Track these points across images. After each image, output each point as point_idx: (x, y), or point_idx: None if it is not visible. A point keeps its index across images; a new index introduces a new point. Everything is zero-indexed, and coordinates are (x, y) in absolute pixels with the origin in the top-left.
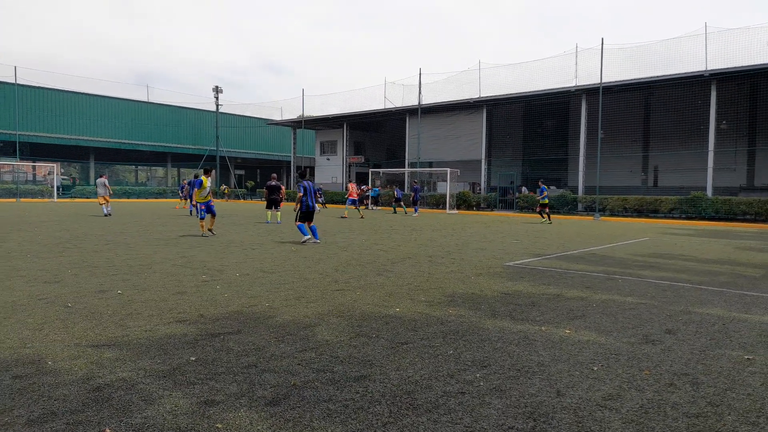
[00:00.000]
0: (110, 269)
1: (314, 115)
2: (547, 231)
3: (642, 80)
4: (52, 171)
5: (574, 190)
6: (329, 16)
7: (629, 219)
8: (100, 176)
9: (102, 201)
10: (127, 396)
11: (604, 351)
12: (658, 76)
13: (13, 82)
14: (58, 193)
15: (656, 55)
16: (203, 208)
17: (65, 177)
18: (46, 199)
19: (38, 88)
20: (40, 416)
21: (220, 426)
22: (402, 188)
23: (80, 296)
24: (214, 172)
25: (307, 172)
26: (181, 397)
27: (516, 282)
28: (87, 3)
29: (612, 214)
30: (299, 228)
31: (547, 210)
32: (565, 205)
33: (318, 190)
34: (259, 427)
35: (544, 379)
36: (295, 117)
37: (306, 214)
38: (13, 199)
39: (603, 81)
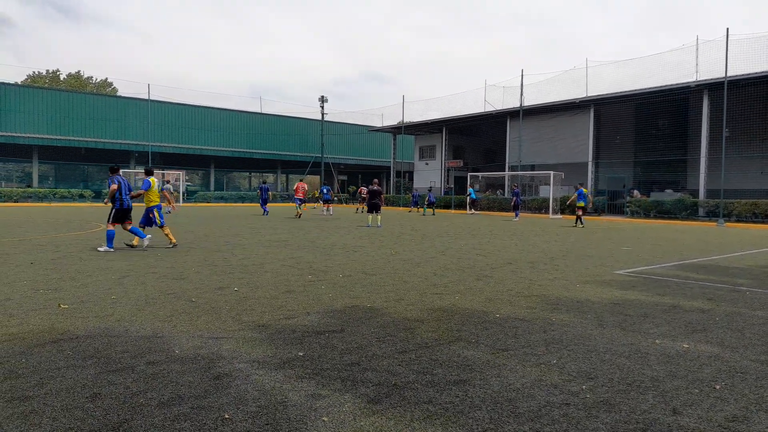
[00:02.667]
0: (228, 268)
1: (414, 120)
2: (663, 238)
3: None
4: (178, 178)
5: (694, 193)
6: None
7: (760, 225)
8: (167, 181)
9: (168, 205)
10: (243, 386)
11: (728, 368)
12: None
13: (147, 98)
14: (183, 198)
15: None
16: (153, 216)
17: (189, 183)
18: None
19: (167, 103)
20: (169, 399)
21: (326, 419)
22: (503, 192)
23: (202, 292)
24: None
25: (119, 168)
26: (290, 389)
27: (626, 291)
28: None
29: (739, 220)
30: (108, 234)
31: (580, 213)
32: (684, 210)
33: (267, 189)
34: (361, 423)
35: (658, 396)
36: (395, 123)
37: (121, 213)
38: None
39: (728, 75)
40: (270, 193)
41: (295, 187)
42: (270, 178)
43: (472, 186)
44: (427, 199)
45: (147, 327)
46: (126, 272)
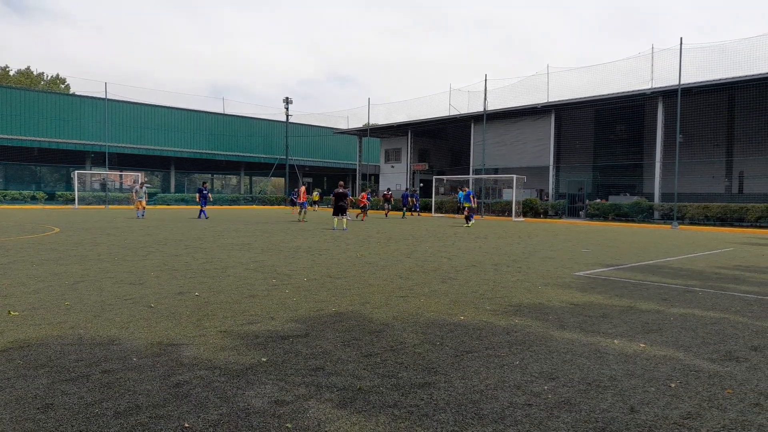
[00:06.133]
0: (188, 272)
1: (379, 123)
2: (620, 240)
3: (724, 81)
4: (137, 180)
5: (650, 197)
6: (396, 26)
7: (711, 228)
8: (143, 183)
9: (140, 206)
10: (204, 393)
11: (683, 367)
12: (741, 77)
13: (104, 97)
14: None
15: (740, 54)
16: None
17: (149, 185)
18: (131, 206)
19: (125, 102)
20: (126, 409)
21: (290, 426)
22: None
23: (161, 297)
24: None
25: None
26: (254, 396)
27: (586, 293)
28: (174, 26)
29: (692, 223)
30: None
31: (466, 213)
32: (640, 213)
33: (205, 190)
34: (326, 429)
35: (617, 395)
36: (361, 125)
37: None
38: (102, 206)
39: (682, 82)
40: (210, 195)
41: (300, 191)
42: (233, 180)
43: (462, 189)
44: (408, 200)
45: (103, 334)
46: (80, 277)
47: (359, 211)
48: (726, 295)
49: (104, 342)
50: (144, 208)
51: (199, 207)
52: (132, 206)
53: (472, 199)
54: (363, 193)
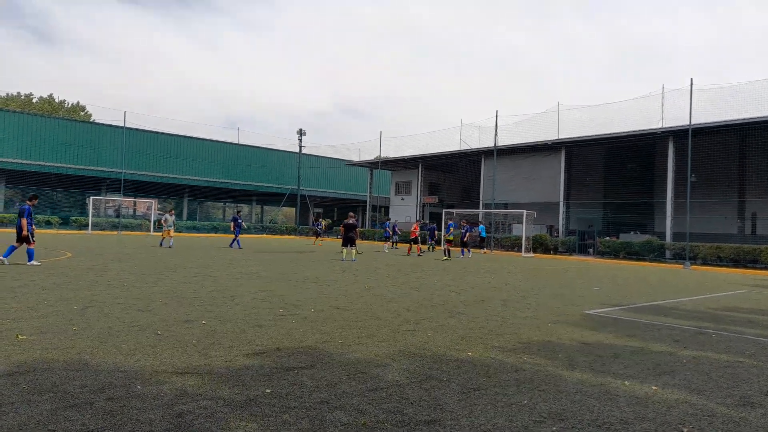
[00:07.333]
0: (196, 300)
1: (390, 156)
2: (631, 279)
3: (735, 122)
4: (150, 207)
5: (661, 236)
6: (409, 62)
7: (724, 269)
8: (172, 212)
9: (167, 234)
10: (206, 424)
11: (696, 411)
12: (752, 118)
13: (122, 125)
14: (154, 227)
15: (751, 95)
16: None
17: (162, 212)
18: (143, 233)
19: (143, 131)
20: None
21: None
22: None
23: (169, 325)
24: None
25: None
26: (256, 428)
27: (596, 332)
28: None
29: (704, 263)
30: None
31: (448, 247)
32: (652, 252)
33: (239, 219)
34: None
35: None
36: (372, 158)
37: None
38: (115, 232)
39: (692, 123)
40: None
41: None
42: (245, 209)
43: (481, 223)
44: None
45: (109, 361)
46: (90, 303)
47: (411, 245)
48: (740, 338)
49: (110, 369)
50: (172, 237)
51: (232, 236)
52: (159, 233)
53: (452, 231)
54: (415, 224)
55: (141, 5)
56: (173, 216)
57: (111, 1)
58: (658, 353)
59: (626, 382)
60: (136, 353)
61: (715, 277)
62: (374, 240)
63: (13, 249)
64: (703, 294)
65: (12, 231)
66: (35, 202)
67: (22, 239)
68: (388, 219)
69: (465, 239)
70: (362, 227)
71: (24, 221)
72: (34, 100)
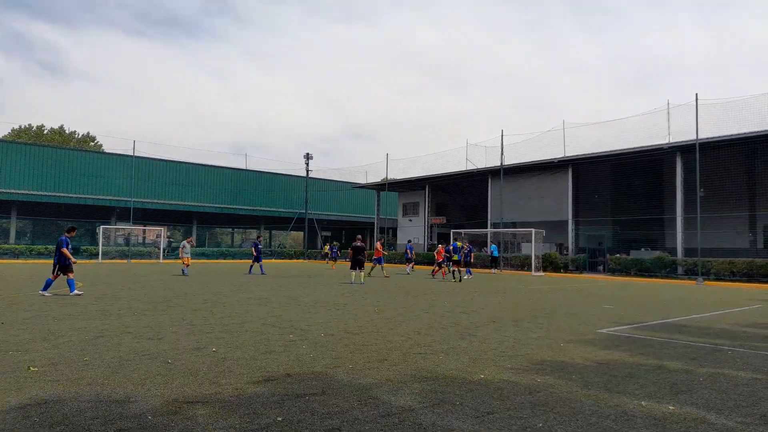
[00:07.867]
0: (206, 327)
1: (397, 178)
2: (644, 296)
3: (742, 135)
4: (159, 234)
5: (672, 251)
6: (413, 84)
7: (737, 284)
8: (190, 240)
9: (187, 262)
10: None
11: (715, 431)
12: (759, 131)
13: (131, 154)
14: (164, 255)
15: (756, 109)
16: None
17: (172, 239)
18: (153, 260)
19: (151, 159)
20: None
21: None
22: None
23: (179, 353)
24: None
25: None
26: None
27: (611, 351)
28: (198, 86)
29: (717, 278)
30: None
31: (455, 268)
32: (663, 268)
33: (260, 245)
34: None
35: None
36: (379, 180)
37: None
38: (125, 260)
39: (699, 137)
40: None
41: (377, 246)
42: (253, 234)
43: (493, 243)
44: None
45: (120, 391)
46: (100, 332)
47: (438, 268)
48: (757, 355)
49: (121, 399)
50: (187, 265)
51: (252, 262)
52: (179, 260)
53: (451, 252)
54: (440, 246)
55: (148, 37)
56: (191, 244)
57: (119, 33)
58: (674, 371)
59: (643, 402)
60: (146, 382)
61: (729, 292)
62: (395, 263)
63: (50, 282)
64: (717, 310)
65: (30, 262)
66: (73, 234)
67: (60, 270)
68: (410, 241)
69: (470, 260)
70: (371, 249)
71: (66, 251)
72: (45, 132)
